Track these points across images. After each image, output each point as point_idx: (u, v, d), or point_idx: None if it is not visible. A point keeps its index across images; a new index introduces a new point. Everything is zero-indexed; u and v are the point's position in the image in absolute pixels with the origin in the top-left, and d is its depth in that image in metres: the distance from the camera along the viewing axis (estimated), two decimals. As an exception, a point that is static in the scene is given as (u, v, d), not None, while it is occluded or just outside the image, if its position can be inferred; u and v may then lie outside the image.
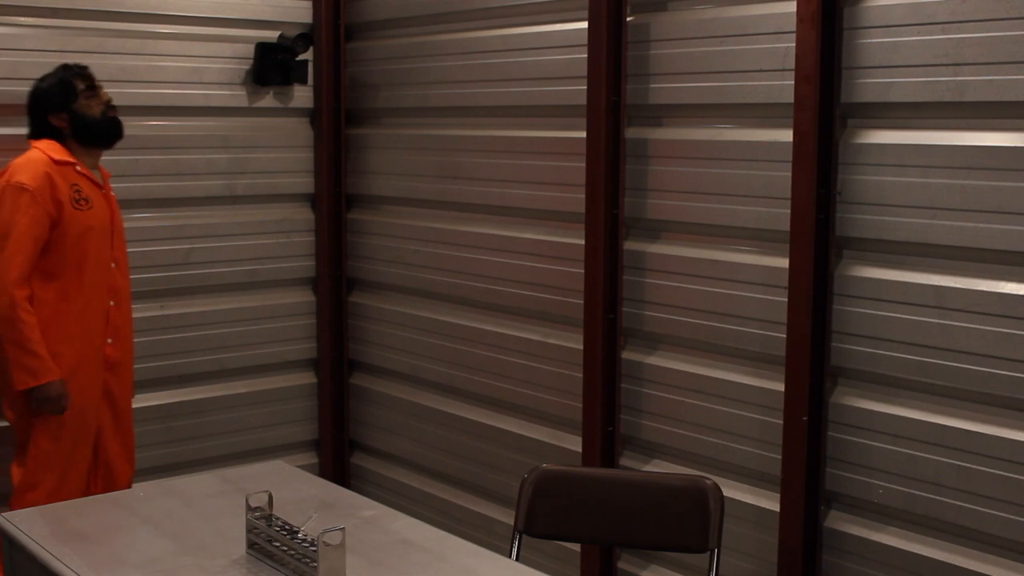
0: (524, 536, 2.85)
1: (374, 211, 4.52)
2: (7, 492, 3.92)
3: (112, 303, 3.70)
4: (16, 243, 3.45)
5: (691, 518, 2.76)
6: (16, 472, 3.64)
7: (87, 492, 3.71)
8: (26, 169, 3.52)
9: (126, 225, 4.15)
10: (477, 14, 3.97)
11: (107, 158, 4.08)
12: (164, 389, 4.29)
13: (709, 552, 2.73)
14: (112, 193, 3.77)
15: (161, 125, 4.21)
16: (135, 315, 4.18)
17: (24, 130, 3.82)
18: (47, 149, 3.59)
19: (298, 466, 3.24)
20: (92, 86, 3.66)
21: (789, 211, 2.98)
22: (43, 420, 3.56)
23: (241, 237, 4.42)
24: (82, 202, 3.57)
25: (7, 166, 3.58)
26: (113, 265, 3.71)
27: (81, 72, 3.69)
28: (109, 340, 3.70)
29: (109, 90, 4.04)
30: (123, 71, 4.07)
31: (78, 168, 3.61)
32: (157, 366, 4.25)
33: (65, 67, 3.69)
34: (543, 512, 2.86)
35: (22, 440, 3.63)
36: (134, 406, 4.20)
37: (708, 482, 2.76)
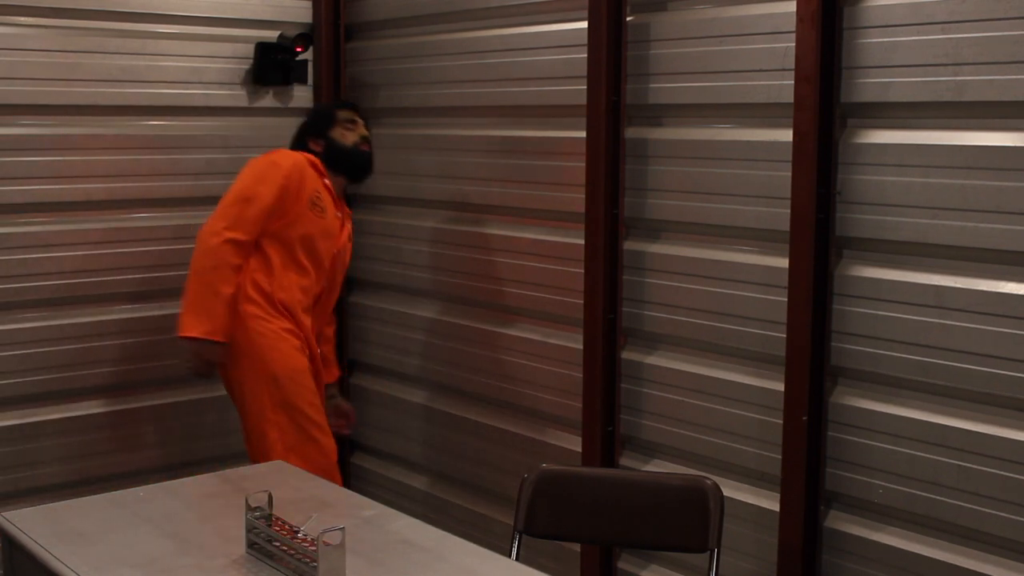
0: (524, 536, 2.85)
1: (374, 211, 4.51)
2: (6, 491, 3.93)
3: (307, 320, 3.81)
4: (253, 206, 3.65)
5: (691, 518, 2.76)
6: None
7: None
8: (287, 156, 3.77)
9: (126, 225, 4.17)
10: (477, 14, 3.97)
11: (107, 158, 4.09)
12: (164, 389, 4.29)
13: (709, 552, 2.73)
14: (348, 224, 3.97)
15: (161, 125, 4.21)
16: (135, 315, 4.20)
17: (20, 130, 3.82)
18: (310, 157, 3.82)
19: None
20: (352, 119, 3.92)
21: (789, 211, 2.98)
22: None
23: (241, 237, 4.41)
24: (317, 208, 3.74)
25: (276, 152, 3.83)
26: (318, 287, 3.85)
27: (347, 105, 4.03)
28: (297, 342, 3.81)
29: (109, 90, 4.07)
30: (123, 71, 4.07)
31: (326, 181, 3.82)
32: (157, 366, 4.25)
33: (336, 100, 4.18)
34: (543, 512, 2.86)
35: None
36: (134, 406, 4.23)
37: (708, 482, 2.77)
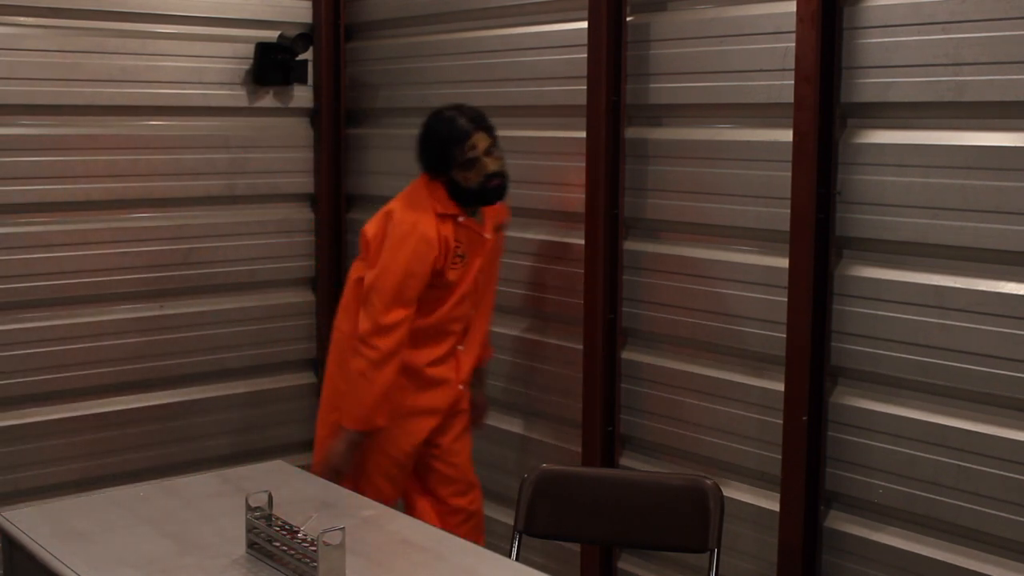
0: (524, 536, 2.85)
1: (374, 211, 4.50)
2: (6, 491, 3.93)
3: (460, 347, 3.52)
4: (395, 291, 3.28)
5: (691, 518, 2.76)
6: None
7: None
8: (423, 216, 3.31)
9: (126, 225, 4.17)
10: (477, 14, 3.96)
11: (107, 158, 4.09)
12: (164, 389, 4.29)
13: (709, 552, 2.73)
14: (497, 232, 3.54)
15: (161, 125, 4.21)
16: (135, 315, 4.20)
17: (20, 130, 3.83)
18: (433, 198, 3.36)
19: (298, 466, 3.24)
20: (471, 160, 3.31)
21: (789, 211, 2.98)
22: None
23: (241, 237, 4.42)
24: (457, 259, 3.38)
25: (397, 203, 3.39)
26: (471, 312, 3.52)
27: (464, 138, 3.32)
28: (460, 387, 3.54)
29: (109, 90, 4.05)
30: (123, 71, 4.07)
31: (460, 219, 3.38)
32: (157, 366, 4.25)
33: (454, 125, 3.34)
34: (543, 512, 2.86)
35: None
36: (134, 406, 4.23)
37: (708, 482, 2.76)
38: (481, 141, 3.33)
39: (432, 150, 3.38)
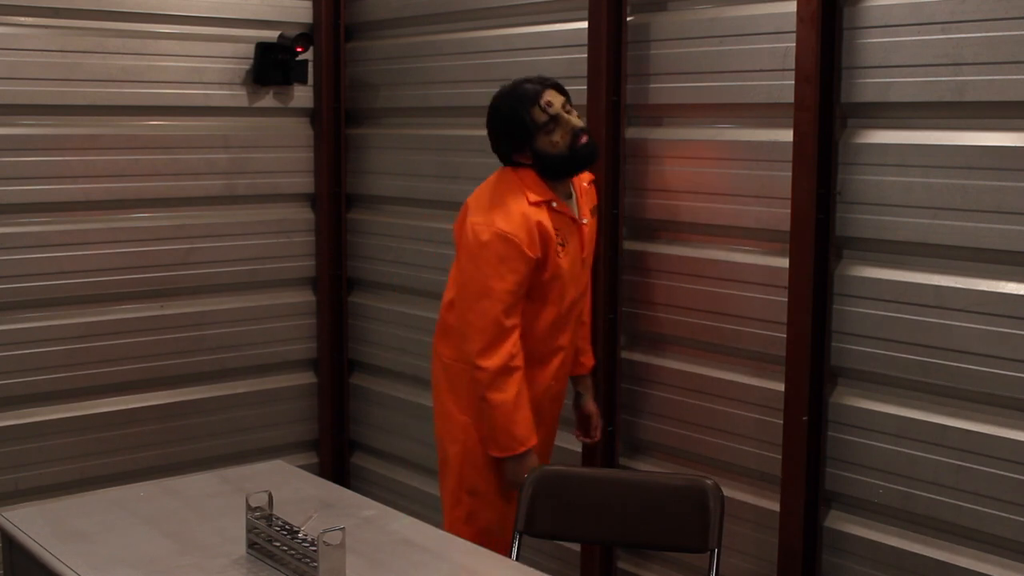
0: (524, 536, 2.85)
1: (374, 211, 4.52)
2: (6, 491, 3.93)
3: (564, 340, 3.25)
4: (496, 303, 2.99)
5: (691, 518, 2.76)
6: (448, 496, 3.30)
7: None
8: (505, 212, 3.01)
9: (126, 225, 4.17)
10: (477, 14, 3.96)
11: (107, 158, 4.09)
12: (164, 389, 4.29)
13: (709, 552, 2.73)
14: (592, 217, 3.25)
15: (161, 125, 4.21)
16: (135, 315, 4.20)
17: (20, 130, 3.83)
18: (523, 185, 3.07)
19: (298, 466, 3.24)
20: (553, 117, 3.03)
21: (789, 211, 2.98)
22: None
23: (241, 237, 4.42)
24: (559, 247, 3.08)
25: (476, 199, 3.12)
26: (578, 299, 3.24)
27: (536, 97, 3.04)
28: (552, 382, 3.26)
29: (109, 90, 4.05)
30: (123, 71, 4.07)
31: (554, 205, 3.09)
32: (157, 366, 4.26)
33: (520, 90, 3.07)
34: (543, 512, 2.86)
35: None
36: (134, 406, 4.22)
37: (708, 482, 2.76)
38: (555, 98, 3.06)
39: (505, 124, 3.07)
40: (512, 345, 3.03)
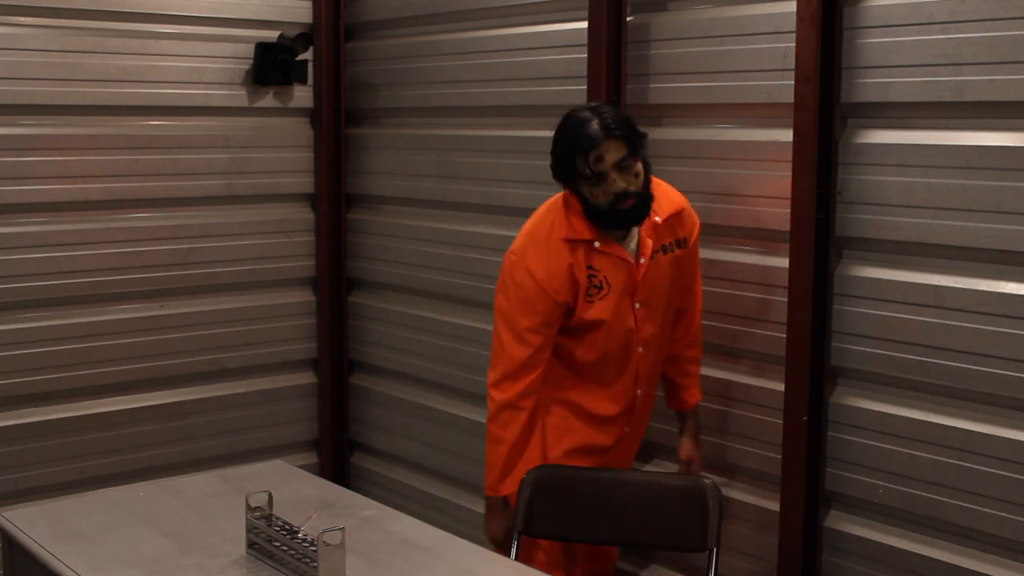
0: (524, 536, 2.85)
1: (374, 211, 4.51)
2: (6, 491, 3.93)
3: (639, 391, 3.06)
4: (518, 337, 2.91)
5: (691, 518, 2.76)
6: None
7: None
8: (539, 249, 2.90)
9: (126, 225, 4.16)
10: (477, 14, 3.96)
11: (107, 158, 4.08)
12: (164, 389, 4.29)
13: (708, 551, 2.73)
14: (667, 252, 3.00)
15: (161, 125, 4.21)
16: (135, 315, 4.20)
17: (20, 130, 3.82)
18: (567, 218, 2.92)
19: (298, 466, 3.24)
20: (598, 174, 2.81)
21: (789, 211, 2.98)
22: None
23: (241, 237, 4.42)
24: (593, 291, 2.90)
25: (529, 221, 3.01)
26: (640, 349, 3.02)
27: (589, 148, 2.81)
28: (626, 429, 3.11)
29: (109, 90, 4.05)
30: (123, 71, 4.07)
31: (597, 245, 2.90)
32: (157, 366, 4.25)
33: (580, 131, 2.83)
34: (542, 512, 2.86)
35: None
36: (134, 406, 4.22)
37: (707, 481, 2.76)
38: (611, 152, 2.81)
39: (558, 158, 2.89)
40: (526, 385, 2.93)
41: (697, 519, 2.75)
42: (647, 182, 2.88)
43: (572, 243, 2.89)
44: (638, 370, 3.04)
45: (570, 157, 2.84)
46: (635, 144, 2.85)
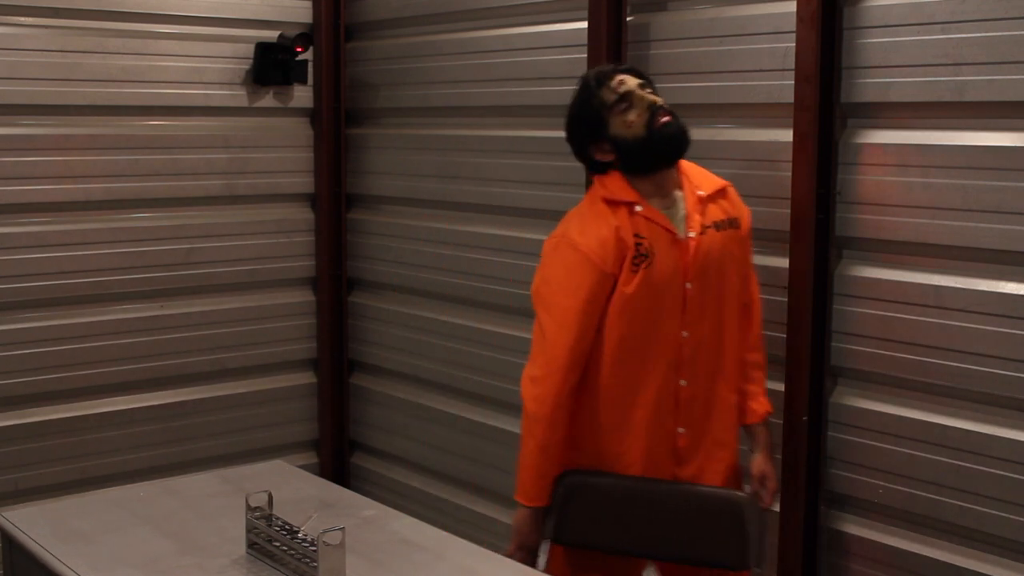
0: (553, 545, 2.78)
1: (374, 211, 4.52)
2: (6, 491, 3.93)
3: (683, 382, 2.75)
4: (560, 322, 2.65)
5: (728, 533, 2.67)
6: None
7: None
8: (582, 221, 2.70)
9: (126, 225, 4.16)
10: (477, 14, 3.97)
11: (107, 158, 4.08)
12: (164, 389, 4.29)
13: (746, 570, 2.68)
14: (720, 229, 2.77)
15: (161, 125, 4.21)
16: (135, 315, 4.19)
17: (20, 130, 3.82)
18: (605, 190, 2.72)
19: (298, 466, 3.24)
20: (623, 94, 2.68)
21: (789, 211, 2.98)
22: None
23: (241, 237, 4.42)
24: (640, 259, 2.65)
25: (563, 220, 2.79)
26: (685, 334, 2.73)
27: (605, 78, 2.71)
28: (680, 430, 2.78)
29: (109, 90, 4.05)
30: (123, 71, 4.07)
31: (638, 208, 2.68)
32: (157, 366, 4.25)
33: (588, 75, 2.76)
34: (572, 520, 2.75)
35: None
36: (134, 406, 4.22)
37: (744, 496, 2.71)
38: (630, 79, 2.71)
39: (578, 114, 2.73)
40: (571, 384, 2.67)
41: (735, 535, 2.66)
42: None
43: (613, 205, 2.69)
44: (701, 370, 2.75)
45: (591, 100, 2.70)
46: (647, 77, 2.77)
